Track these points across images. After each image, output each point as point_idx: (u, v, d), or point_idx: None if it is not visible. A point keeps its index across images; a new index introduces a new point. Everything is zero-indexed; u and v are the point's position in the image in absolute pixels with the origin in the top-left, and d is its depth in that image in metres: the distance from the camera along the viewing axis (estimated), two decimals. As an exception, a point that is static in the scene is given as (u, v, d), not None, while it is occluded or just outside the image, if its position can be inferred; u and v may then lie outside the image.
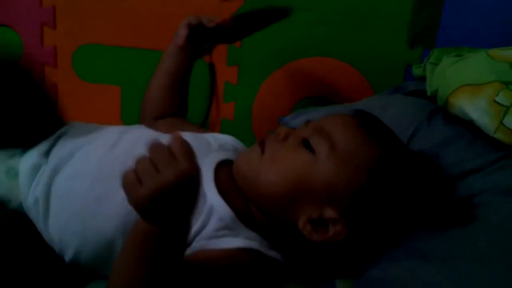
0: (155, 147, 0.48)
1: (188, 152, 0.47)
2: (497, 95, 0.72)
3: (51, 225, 0.66)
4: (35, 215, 0.67)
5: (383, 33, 1.05)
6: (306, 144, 0.62)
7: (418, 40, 1.06)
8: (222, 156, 0.70)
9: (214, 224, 0.61)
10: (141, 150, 0.61)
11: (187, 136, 0.73)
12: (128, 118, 1.11)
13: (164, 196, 0.46)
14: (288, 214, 0.62)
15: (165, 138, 0.70)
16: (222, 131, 1.10)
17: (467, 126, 0.77)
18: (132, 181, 0.46)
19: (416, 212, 0.63)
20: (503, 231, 0.58)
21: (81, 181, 0.66)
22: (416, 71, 1.01)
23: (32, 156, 0.70)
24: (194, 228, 0.60)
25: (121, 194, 0.61)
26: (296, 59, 1.07)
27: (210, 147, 0.73)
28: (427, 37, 1.05)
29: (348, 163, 0.60)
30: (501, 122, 0.71)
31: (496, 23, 1.02)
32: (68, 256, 0.66)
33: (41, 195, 0.67)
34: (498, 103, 0.72)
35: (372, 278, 0.57)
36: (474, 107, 0.74)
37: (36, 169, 0.69)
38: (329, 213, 0.60)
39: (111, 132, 0.73)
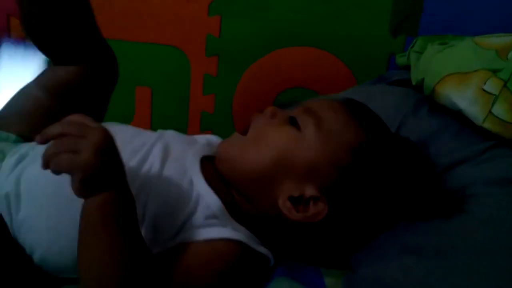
0: (65, 123, 0.52)
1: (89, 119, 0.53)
2: (485, 83, 0.71)
3: (22, 218, 0.62)
4: (5, 208, 0.63)
5: (365, 21, 1.03)
6: (292, 121, 0.62)
7: (401, 28, 1.04)
8: (207, 151, 0.69)
9: (202, 212, 0.60)
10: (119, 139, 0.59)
11: (170, 132, 0.71)
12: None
13: (103, 152, 0.50)
14: (270, 193, 0.61)
15: (138, 132, 0.69)
16: (202, 125, 1.08)
17: (453, 115, 0.76)
18: (69, 156, 0.49)
19: (402, 197, 0.61)
20: (495, 223, 0.56)
21: None
22: (400, 60, 0.99)
23: (22, 147, 0.68)
24: (182, 215, 0.59)
25: None
26: (277, 49, 1.04)
27: (195, 142, 0.72)
28: (410, 25, 1.03)
29: (333, 142, 0.60)
30: (490, 111, 0.69)
31: (478, 10, 1.01)
32: (37, 254, 0.63)
33: (12, 185, 0.63)
34: (486, 91, 0.70)
35: (363, 276, 0.55)
36: (462, 96, 0.72)
37: (20, 159, 0.66)
38: (310, 191, 0.59)
39: None
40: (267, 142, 0.62)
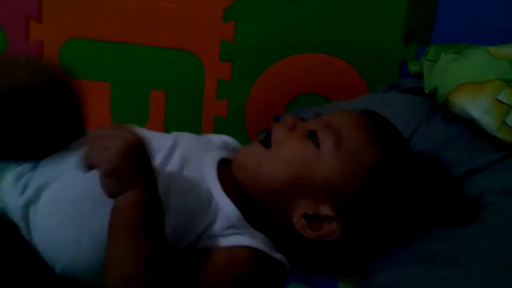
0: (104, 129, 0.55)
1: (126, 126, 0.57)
2: (499, 93, 0.71)
3: (41, 232, 0.63)
4: (22, 222, 0.63)
5: (378, 29, 1.04)
6: (312, 136, 0.62)
7: (413, 36, 1.05)
8: (223, 154, 0.69)
9: (220, 223, 0.61)
10: None
11: (186, 136, 0.71)
12: (118, 115, 1.08)
13: (132, 151, 0.53)
14: (284, 208, 0.61)
15: (153, 135, 0.69)
16: (215, 129, 1.09)
17: (466, 124, 0.76)
18: (99, 152, 0.53)
19: (418, 216, 0.62)
20: (511, 233, 0.56)
21: (74, 182, 0.63)
22: (413, 68, 0.99)
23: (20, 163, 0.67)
24: (201, 226, 0.60)
25: None
26: (291, 55, 1.05)
27: (211, 145, 0.72)
28: (422, 34, 1.04)
29: (351, 161, 0.60)
30: (503, 121, 0.70)
31: (491, 19, 1.01)
32: (59, 267, 0.63)
33: (30, 200, 0.63)
34: (500, 101, 0.71)
35: (378, 284, 0.55)
36: (476, 106, 0.73)
37: (21, 175, 0.65)
38: (325, 210, 0.60)
39: None
40: (286, 158, 0.61)
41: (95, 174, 0.61)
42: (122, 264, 0.53)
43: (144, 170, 0.55)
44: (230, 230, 0.60)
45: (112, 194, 0.54)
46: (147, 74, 1.06)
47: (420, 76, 0.96)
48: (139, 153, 0.54)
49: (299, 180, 0.60)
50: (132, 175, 0.53)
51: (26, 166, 0.65)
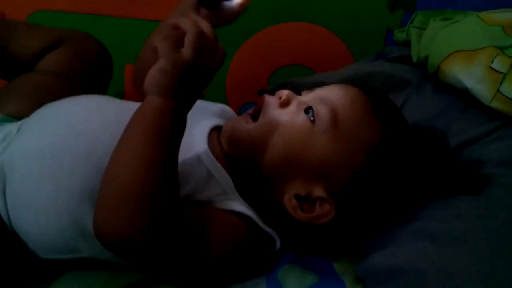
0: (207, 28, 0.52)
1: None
2: (493, 61, 0.69)
3: (16, 194, 0.59)
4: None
5: (362, -5, 1.00)
6: (307, 112, 0.58)
7: (398, 3, 1.01)
8: (217, 121, 0.65)
9: (211, 189, 0.57)
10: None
11: None
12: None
13: (196, 69, 0.49)
14: (275, 188, 0.59)
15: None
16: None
17: (458, 94, 0.74)
18: (171, 45, 0.48)
19: (416, 195, 0.59)
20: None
21: (53, 137, 0.60)
22: (398, 35, 0.97)
23: (7, 126, 0.65)
24: (187, 188, 0.56)
25: (100, 152, 0.55)
26: (272, 25, 1.01)
27: (205, 111, 0.67)
28: (407, 0, 1.01)
29: (348, 141, 0.57)
30: (498, 90, 0.68)
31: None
32: (32, 235, 0.59)
33: (5, 159, 0.60)
34: (494, 69, 0.69)
35: (379, 264, 0.53)
36: (469, 75, 0.70)
37: (5, 137, 0.63)
38: (318, 191, 0.57)
39: (88, 98, 0.67)
40: (279, 136, 0.58)
41: (71, 130, 0.60)
42: (126, 168, 0.48)
43: (190, 97, 0.52)
44: (222, 196, 0.57)
45: (148, 89, 0.50)
46: (120, 47, 1.00)
47: (406, 44, 0.94)
48: (200, 83, 0.51)
49: (292, 158, 0.57)
50: (178, 89, 0.49)
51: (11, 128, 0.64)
